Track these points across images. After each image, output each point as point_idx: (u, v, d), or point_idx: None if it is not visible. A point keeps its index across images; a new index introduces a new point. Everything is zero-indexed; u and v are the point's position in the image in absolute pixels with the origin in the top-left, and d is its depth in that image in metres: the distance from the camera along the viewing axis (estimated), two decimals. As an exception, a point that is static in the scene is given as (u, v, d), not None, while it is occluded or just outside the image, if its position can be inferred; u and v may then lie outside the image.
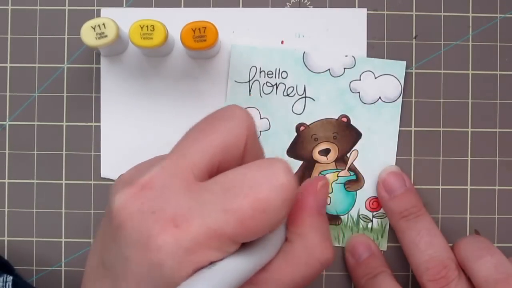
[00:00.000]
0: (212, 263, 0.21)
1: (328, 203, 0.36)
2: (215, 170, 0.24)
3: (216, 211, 0.21)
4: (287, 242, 0.25)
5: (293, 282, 0.24)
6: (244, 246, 0.23)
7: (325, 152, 0.36)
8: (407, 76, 0.36)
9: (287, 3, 0.36)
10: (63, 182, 0.36)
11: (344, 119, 0.36)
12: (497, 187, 0.36)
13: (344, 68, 0.36)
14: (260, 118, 0.36)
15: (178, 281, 0.21)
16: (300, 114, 0.36)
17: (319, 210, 0.26)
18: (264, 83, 0.36)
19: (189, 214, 0.21)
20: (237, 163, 0.24)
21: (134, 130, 0.36)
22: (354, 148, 0.36)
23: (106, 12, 0.36)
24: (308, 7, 0.36)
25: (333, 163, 0.36)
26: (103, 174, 0.36)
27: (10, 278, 0.33)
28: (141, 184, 0.22)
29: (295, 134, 0.36)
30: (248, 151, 0.24)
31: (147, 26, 0.32)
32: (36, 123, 0.36)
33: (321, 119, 0.36)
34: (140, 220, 0.21)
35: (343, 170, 0.36)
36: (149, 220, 0.21)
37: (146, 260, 0.21)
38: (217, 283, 0.21)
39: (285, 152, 0.36)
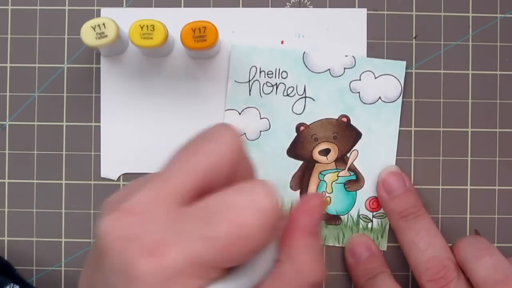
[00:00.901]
0: None
1: (328, 203, 0.36)
2: (202, 192, 0.23)
3: (195, 238, 0.21)
4: (277, 263, 0.24)
5: None
6: (231, 269, 0.22)
7: (325, 152, 0.36)
8: (407, 76, 0.36)
9: (287, 3, 0.36)
10: (63, 182, 0.36)
11: (344, 119, 0.36)
12: (497, 187, 0.36)
13: (344, 68, 0.36)
14: (260, 118, 0.36)
15: None
16: (300, 114, 0.36)
17: (311, 230, 0.25)
18: (264, 83, 0.36)
19: (168, 242, 0.21)
20: (225, 184, 0.24)
21: (134, 130, 0.36)
22: (354, 148, 0.36)
23: (106, 12, 0.36)
24: (308, 7, 0.36)
25: (333, 163, 0.36)
26: (103, 174, 0.36)
27: (17, 287, 0.33)
28: (124, 209, 0.22)
29: (295, 134, 0.36)
30: (238, 172, 0.24)
31: (147, 26, 0.32)
32: (36, 123, 0.36)
33: (321, 119, 0.36)
34: (122, 247, 0.21)
35: (343, 170, 0.36)
36: (130, 247, 0.21)
37: None
38: None
39: (285, 152, 0.36)
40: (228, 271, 0.22)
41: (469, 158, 0.36)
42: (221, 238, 0.21)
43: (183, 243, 0.21)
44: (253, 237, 0.21)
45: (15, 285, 0.33)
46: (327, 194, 0.36)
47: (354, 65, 0.36)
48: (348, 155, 0.36)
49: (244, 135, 0.36)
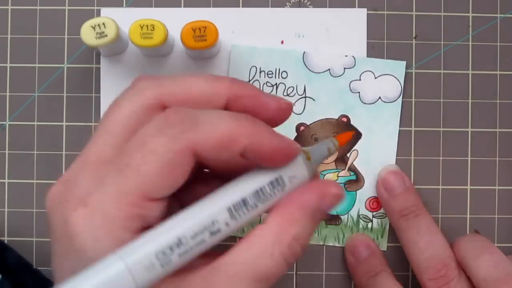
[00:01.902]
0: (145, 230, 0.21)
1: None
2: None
3: (112, 176, 0.21)
4: (260, 224, 0.23)
5: (254, 271, 0.22)
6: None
7: (325, 152, 0.36)
8: (407, 76, 0.36)
9: (287, 3, 0.36)
10: (63, 182, 0.36)
11: (344, 119, 0.36)
12: (497, 187, 0.36)
13: (344, 68, 0.36)
14: (260, 118, 0.36)
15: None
16: (300, 114, 0.36)
17: (313, 212, 0.23)
18: (264, 83, 0.36)
19: (93, 190, 0.21)
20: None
21: (134, 130, 0.36)
22: (354, 148, 0.36)
23: (106, 12, 0.36)
24: (308, 7, 0.36)
25: (333, 163, 0.36)
26: (103, 174, 0.36)
27: None
28: (61, 180, 0.23)
29: (295, 134, 0.36)
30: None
31: (147, 26, 0.32)
32: (36, 123, 0.36)
33: (321, 119, 0.36)
34: (59, 211, 0.22)
35: (343, 170, 0.36)
36: (65, 207, 0.22)
37: (72, 250, 0.21)
38: (134, 259, 0.20)
39: (285, 152, 0.36)
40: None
41: (469, 158, 0.36)
42: (134, 164, 0.21)
43: (102, 187, 0.21)
44: (160, 155, 0.21)
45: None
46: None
47: (354, 65, 0.36)
48: (348, 155, 0.36)
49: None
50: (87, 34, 0.32)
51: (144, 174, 0.21)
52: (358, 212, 0.36)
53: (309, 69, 0.36)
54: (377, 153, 0.36)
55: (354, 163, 0.36)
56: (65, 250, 0.21)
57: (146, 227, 0.22)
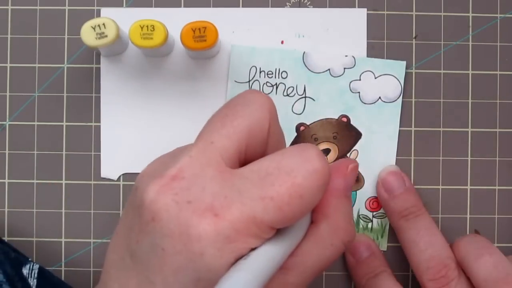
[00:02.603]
0: (252, 249, 0.22)
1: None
2: (243, 155, 0.24)
3: (253, 198, 0.21)
4: (312, 224, 0.25)
5: (319, 264, 0.24)
6: (278, 231, 0.23)
7: (325, 152, 0.36)
8: (407, 76, 0.36)
9: (287, 3, 0.36)
10: (63, 182, 0.36)
11: (344, 119, 0.36)
12: (497, 187, 0.36)
13: (344, 68, 0.36)
14: (260, 118, 0.36)
15: (219, 269, 0.21)
16: (300, 114, 0.36)
17: (345, 192, 0.26)
18: (264, 83, 0.36)
19: (227, 202, 0.21)
20: (262, 147, 0.25)
21: (134, 130, 0.36)
22: (354, 148, 0.36)
23: (106, 12, 0.36)
24: (308, 7, 0.36)
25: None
26: (103, 174, 0.36)
27: (36, 266, 0.33)
28: (171, 175, 0.22)
29: (295, 134, 0.36)
30: (271, 135, 0.25)
31: (147, 26, 0.32)
32: (36, 123, 0.36)
33: (321, 119, 0.36)
34: (177, 211, 0.21)
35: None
36: (186, 210, 0.21)
37: (186, 250, 0.21)
38: (256, 273, 0.21)
39: (285, 152, 0.36)
40: (277, 231, 0.23)
41: (469, 158, 0.36)
42: (279, 198, 0.22)
43: (241, 203, 0.21)
44: (309, 197, 0.22)
45: (35, 264, 0.33)
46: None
47: (354, 65, 0.36)
48: (348, 155, 0.36)
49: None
50: (87, 34, 0.32)
51: (284, 211, 0.22)
52: (358, 212, 0.36)
53: (309, 69, 0.36)
54: (377, 153, 0.36)
55: (354, 163, 0.36)
56: (178, 250, 0.21)
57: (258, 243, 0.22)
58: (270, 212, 0.21)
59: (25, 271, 0.32)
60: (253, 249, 0.22)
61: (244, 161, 0.24)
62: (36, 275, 0.33)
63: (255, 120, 0.24)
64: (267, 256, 0.22)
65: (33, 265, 0.33)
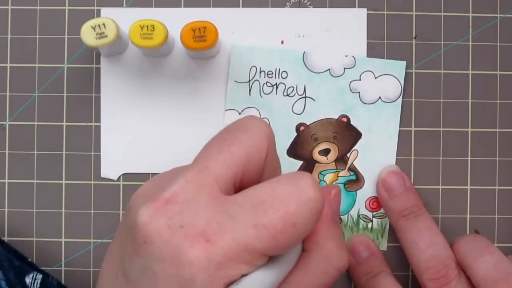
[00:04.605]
0: (242, 276, 0.22)
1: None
2: (238, 182, 0.24)
3: (246, 226, 0.21)
4: (304, 252, 0.25)
5: None
6: (270, 258, 0.23)
7: (325, 152, 0.36)
8: (407, 76, 0.36)
9: (287, 3, 0.36)
10: (63, 182, 0.36)
11: (344, 119, 0.36)
12: (497, 187, 0.36)
13: (344, 68, 0.36)
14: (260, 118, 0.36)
15: None
16: (300, 114, 0.36)
17: (333, 218, 0.26)
18: (264, 83, 0.36)
19: (220, 229, 0.21)
20: (259, 174, 0.25)
21: (134, 130, 0.36)
22: (354, 148, 0.36)
23: (106, 12, 0.36)
24: (308, 7, 0.36)
25: (333, 163, 0.36)
26: (103, 174, 0.36)
27: (40, 276, 0.33)
28: (165, 198, 0.22)
29: (295, 134, 0.36)
30: (268, 162, 0.25)
31: (147, 26, 0.32)
32: (36, 123, 0.36)
33: (321, 119, 0.36)
34: (169, 235, 0.21)
35: (343, 170, 0.36)
36: (179, 234, 0.21)
37: (177, 274, 0.21)
38: None
39: (285, 152, 0.36)
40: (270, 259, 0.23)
41: (469, 158, 0.36)
42: (272, 226, 0.22)
43: (233, 230, 0.21)
44: (302, 226, 0.22)
45: (38, 274, 0.33)
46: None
47: (354, 65, 0.36)
48: (348, 155, 0.36)
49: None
50: (87, 34, 0.32)
51: (277, 239, 0.22)
52: (358, 212, 0.36)
53: (309, 69, 0.36)
54: (377, 153, 0.36)
55: (354, 163, 0.36)
56: (163, 271, 0.21)
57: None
58: (263, 240, 0.21)
59: (28, 280, 0.32)
60: (244, 275, 0.22)
61: (239, 187, 0.24)
62: (38, 285, 0.33)
63: (254, 147, 0.24)
64: (258, 282, 0.22)
65: (36, 275, 0.33)
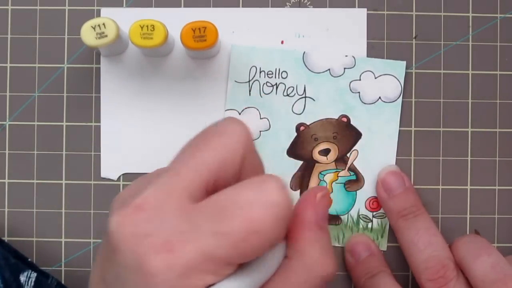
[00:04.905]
0: (209, 286, 0.21)
1: (330, 198, 0.36)
2: (211, 187, 0.23)
3: (208, 234, 0.21)
4: (286, 259, 0.24)
5: None
6: (241, 266, 0.22)
7: (325, 152, 0.36)
8: (407, 76, 0.36)
9: (287, 3, 0.36)
10: (63, 182, 0.36)
11: (344, 119, 0.36)
12: (497, 187, 0.36)
13: (344, 68, 0.36)
14: (260, 118, 0.36)
15: None
16: (300, 114, 0.36)
17: (318, 223, 0.25)
18: (264, 83, 0.36)
19: (182, 238, 0.21)
20: (235, 179, 0.24)
21: (134, 130, 0.36)
22: (354, 148, 0.36)
23: (106, 12, 0.36)
24: (308, 7, 0.36)
25: (333, 163, 0.36)
26: (103, 174, 0.36)
27: (34, 274, 0.33)
28: (135, 205, 0.22)
29: (295, 134, 0.36)
30: (246, 166, 0.24)
31: (147, 26, 0.32)
32: (36, 123, 0.36)
33: (321, 119, 0.36)
34: (134, 244, 0.21)
35: (343, 170, 0.36)
36: (143, 244, 0.21)
37: (143, 284, 0.21)
38: None
39: (285, 152, 0.36)
40: (239, 267, 0.22)
41: (469, 158, 0.36)
42: (233, 233, 0.21)
43: (195, 239, 0.21)
44: (266, 232, 0.21)
45: (32, 272, 0.33)
46: (327, 194, 0.36)
47: (354, 65, 0.36)
48: (348, 155, 0.36)
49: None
50: (87, 34, 0.32)
51: (240, 247, 0.21)
52: (358, 212, 0.36)
53: (309, 69, 0.36)
54: (377, 153, 0.36)
55: (354, 163, 0.36)
56: (130, 280, 0.21)
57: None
58: (225, 248, 0.21)
59: (22, 278, 0.32)
60: (211, 286, 0.21)
61: (214, 192, 0.23)
62: (33, 283, 0.33)
63: (227, 152, 0.23)
64: None
65: (31, 273, 0.33)
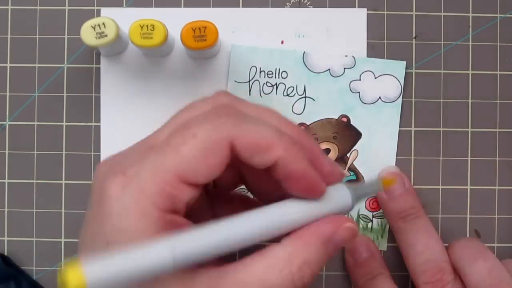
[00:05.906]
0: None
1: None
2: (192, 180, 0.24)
3: (154, 152, 0.23)
4: (274, 243, 0.24)
5: (260, 283, 0.22)
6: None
7: (325, 152, 0.36)
8: (407, 76, 0.36)
9: (287, 3, 0.36)
10: (63, 182, 0.36)
11: (344, 119, 0.36)
12: (497, 187, 0.36)
13: (344, 68, 0.36)
14: (260, 118, 0.36)
15: (129, 230, 0.21)
16: (300, 114, 0.36)
17: (326, 242, 0.24)
18: (264, 83, 0.36)
19: (137, 164, 0.23)
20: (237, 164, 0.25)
21: (134, 130, 0.36)
22: (354, 148, 0.36)
23: (106, 12, 0.36)
24: (308, 7, 0.36)
25: (333, 163, 0.36)
26: (103, 174, 0.36)
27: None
28: (114, 157, 0.25)
29: (295, 134, 0.36)
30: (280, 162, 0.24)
31: (147, 26, 0.32)
32: (36, 123, 0.36)
33: (321, 119, 0.36)
34: (101, 179, 0.23)
35: (343, 170, 0.36)
36: (107, 176, 0.23)
37: (100, 213, 0.22)
38: (186, 247, 0.21)
39: (285, 152, 0.36)
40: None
41: (469, 158, 0.36)
42: (173, 144, 0.22)
43: (143, 161, 0.23)
44: (201, 141, 0.22)
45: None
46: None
47: (354, 65, 0.36)
48: (348, 155, 0.36)
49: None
50: (87, 34, 0.32)
51: (182, 155, 0.22)
52: (358, 212, 0.36)
53: (309, 69, 0.36)
54: (377, 153, 0.36)
55: (354, 163, 0.36)
56: (94, 214, 0.23)
57: (173, 211, 0.22)
58: (169, 159, 0.22)
59: None
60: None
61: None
62: None
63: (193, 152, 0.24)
64: (210, 235, 0.22)
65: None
